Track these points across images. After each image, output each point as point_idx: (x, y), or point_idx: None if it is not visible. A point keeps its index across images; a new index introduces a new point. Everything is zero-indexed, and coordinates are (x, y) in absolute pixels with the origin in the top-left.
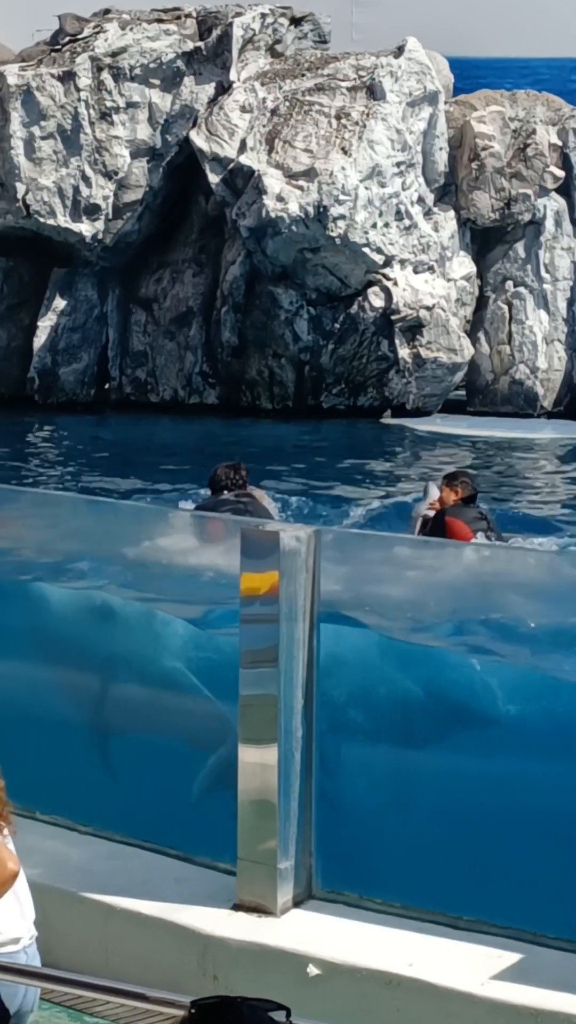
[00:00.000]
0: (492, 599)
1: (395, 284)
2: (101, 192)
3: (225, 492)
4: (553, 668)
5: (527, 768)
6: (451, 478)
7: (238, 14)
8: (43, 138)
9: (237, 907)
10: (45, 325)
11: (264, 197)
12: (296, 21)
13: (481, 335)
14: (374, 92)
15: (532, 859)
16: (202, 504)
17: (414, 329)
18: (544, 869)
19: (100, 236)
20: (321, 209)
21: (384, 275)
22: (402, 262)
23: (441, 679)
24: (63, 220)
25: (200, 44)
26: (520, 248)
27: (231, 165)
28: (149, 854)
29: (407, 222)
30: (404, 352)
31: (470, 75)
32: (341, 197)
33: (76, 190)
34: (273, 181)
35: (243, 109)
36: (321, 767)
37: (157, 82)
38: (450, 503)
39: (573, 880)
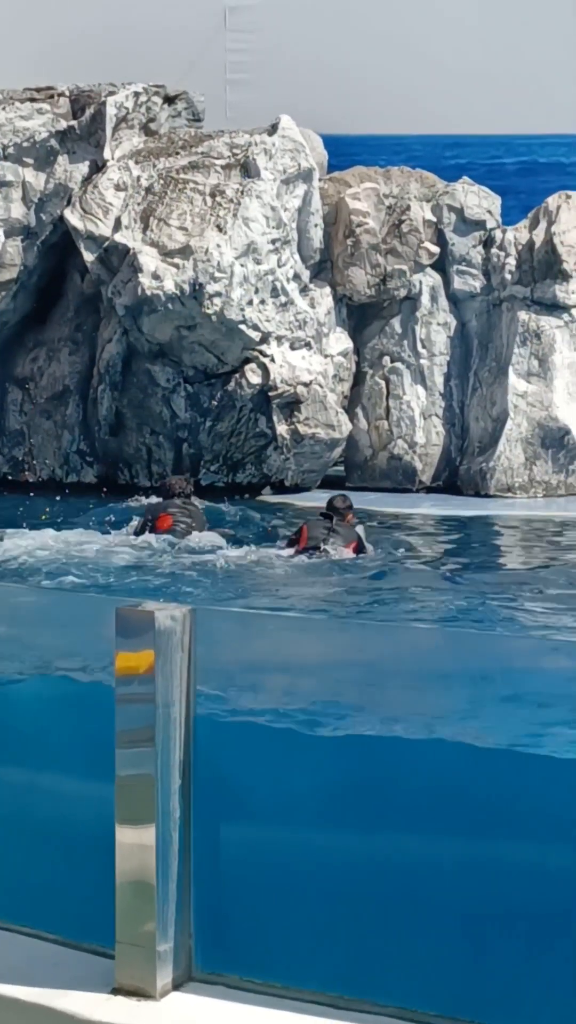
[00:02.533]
0: (370, 675)
1: (272, 361)
2: None
3: (175, 498)
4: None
5: (409, 844)
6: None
7: (111, 93)
8: None
9: (116, 991)
10: None
11: (139, 275)
12: (170, 99)
13: (359, 410)
14: (248, 170)
15: (415, 937)
16: (154, 504)
17: (292, 405)
18: (427, 947)
19: None
20: (197, 287)
21: (261, 352)
22: (279, 339)
23: (317, 756)
24: None
25: (74, 123)
26: (396, 324)
27: (106, 243)
28: (26, 939)
29: (283, 299)
30: (282, 428)
31: (344, 152)
32: (217, 274)
33: None
34: (148, 259)
35: (117, 187)
36: (199, 847)
37: (31, 161)
38: None
39: (457, 957)
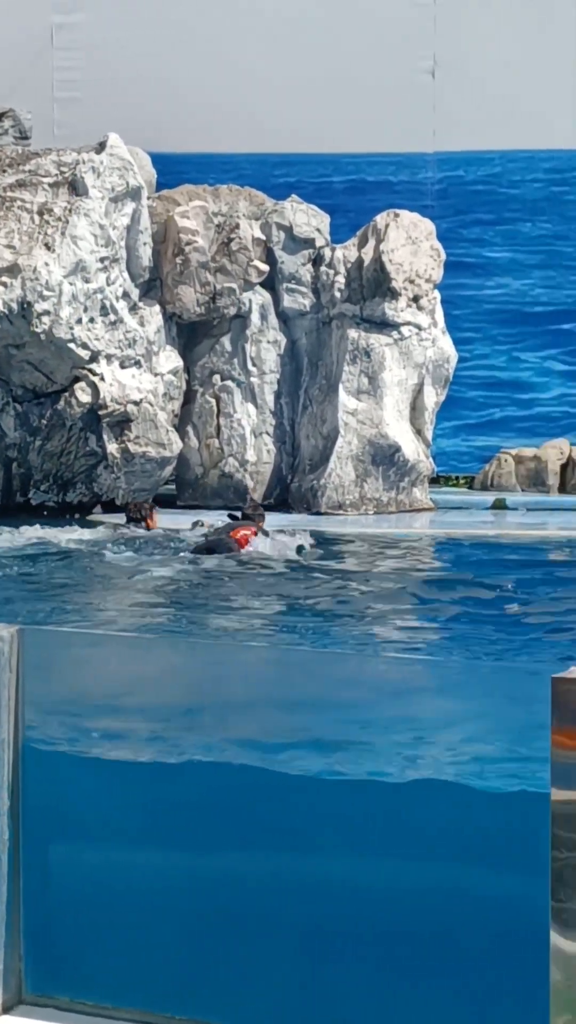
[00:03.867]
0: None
1: (102, 379)
2: None
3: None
4: (268, 762)
5: (237, 865)
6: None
7: None
8: None
9: None
10: None
11: None
12: None
13: (190, 429)
14: (76, 188)
15: (246, 957)
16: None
17: (122, 424)
18: (258, 967)
19: None
20: (25, 305)
21: (91, 370)
22: (108, 357)
23: (148, 776)
24: None
25: None
26: (226, 342)
27: None
28: None
29: (112, 317)
30: (112, 447)
31: (172, 170)
32: (45, 293)
33: None
34: None
35: None
36: (29, 870)
37: None
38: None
39: (288, 977)
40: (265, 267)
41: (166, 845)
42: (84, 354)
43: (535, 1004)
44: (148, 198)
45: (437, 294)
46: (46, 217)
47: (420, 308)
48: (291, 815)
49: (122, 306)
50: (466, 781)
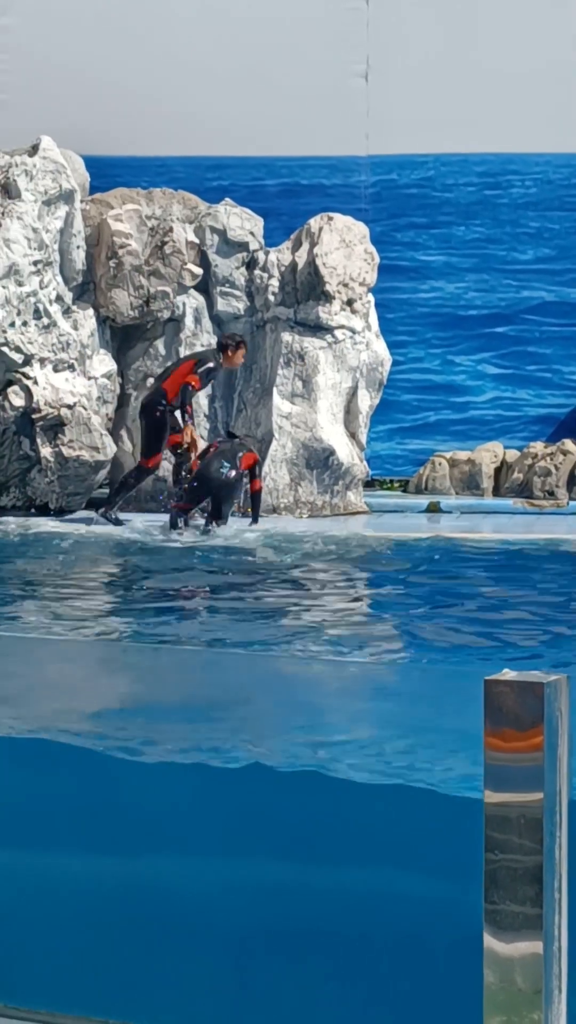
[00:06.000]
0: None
1: (35, 383)
2: None
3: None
4: (202, 759)
5: (170, 866)
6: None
7: None
8: None
9: None
10: None
11: None
12: None
13: (124, 433)
14: (9, 191)
15: (179, 960)
16: None
17: (55, 428)
18: (189, 970)
19: None
20: None
21: (24, 374)
22: (42, 361)
23: (72, 776)
24: None
25: None
26: (160, 345)
27: None
28: None
29: (46, 321)
30: (46, 451)
31: (106, 173)
32: None
33: None
34: None
35: None
36: None
37: None
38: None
39: (218, 980)
40: (199, 270)
41: (96, 848)
42: (17, 358)
43: (469, 1006)
44: (81, 201)
45: (371, 298)
46: None
47: (354, 312)
48: (219, 816)
49: (55, 309)
50: (401, 783)
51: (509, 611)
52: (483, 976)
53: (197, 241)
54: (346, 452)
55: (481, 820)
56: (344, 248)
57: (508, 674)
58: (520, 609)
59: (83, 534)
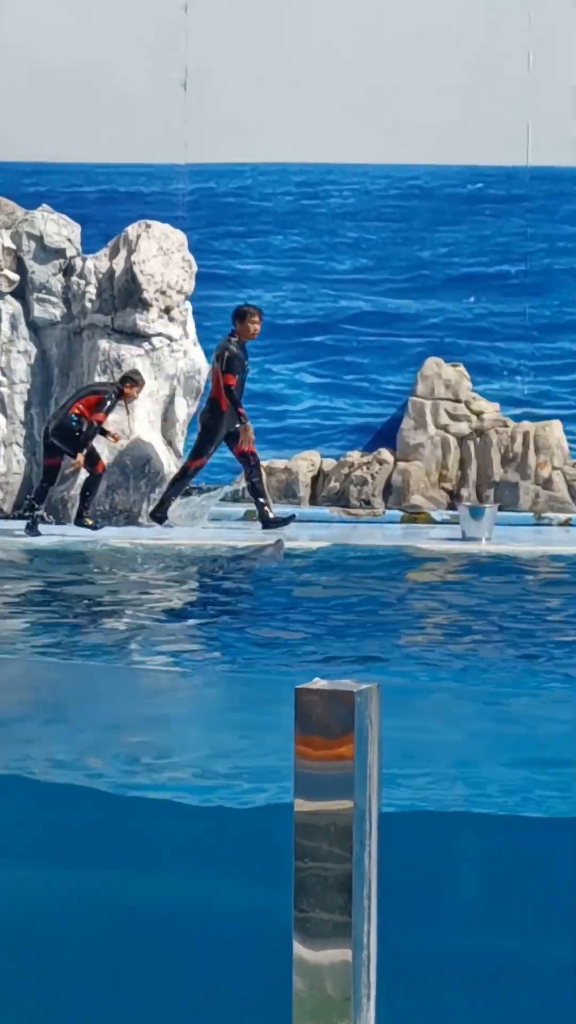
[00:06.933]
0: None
1: None
2: None
3: None
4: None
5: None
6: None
7: None
8: None
9: None
10: None
11: None
12: None
13: None
14: None
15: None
16: None
17: None
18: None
19: None
20: None
21: None
22: None
23: None
24: None
25: None
26: None
27: None
28: None
29: None
30: None
31: None
32: None
33: None
34: None
35: None
36: None
37: None
38: None
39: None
40: (15, 277)
41: None
42: None
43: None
44: None
45: (189, 305)
46: None
47: (172, 319)
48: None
49: None
50: (213, 792)
51: (334, 616)
52: (292, 983)
53: (14, 247)
54: (163, 460)
55: (291, 828)
56: (162, 256)
57: (319, 683)
58: (339, 616)
59: None
